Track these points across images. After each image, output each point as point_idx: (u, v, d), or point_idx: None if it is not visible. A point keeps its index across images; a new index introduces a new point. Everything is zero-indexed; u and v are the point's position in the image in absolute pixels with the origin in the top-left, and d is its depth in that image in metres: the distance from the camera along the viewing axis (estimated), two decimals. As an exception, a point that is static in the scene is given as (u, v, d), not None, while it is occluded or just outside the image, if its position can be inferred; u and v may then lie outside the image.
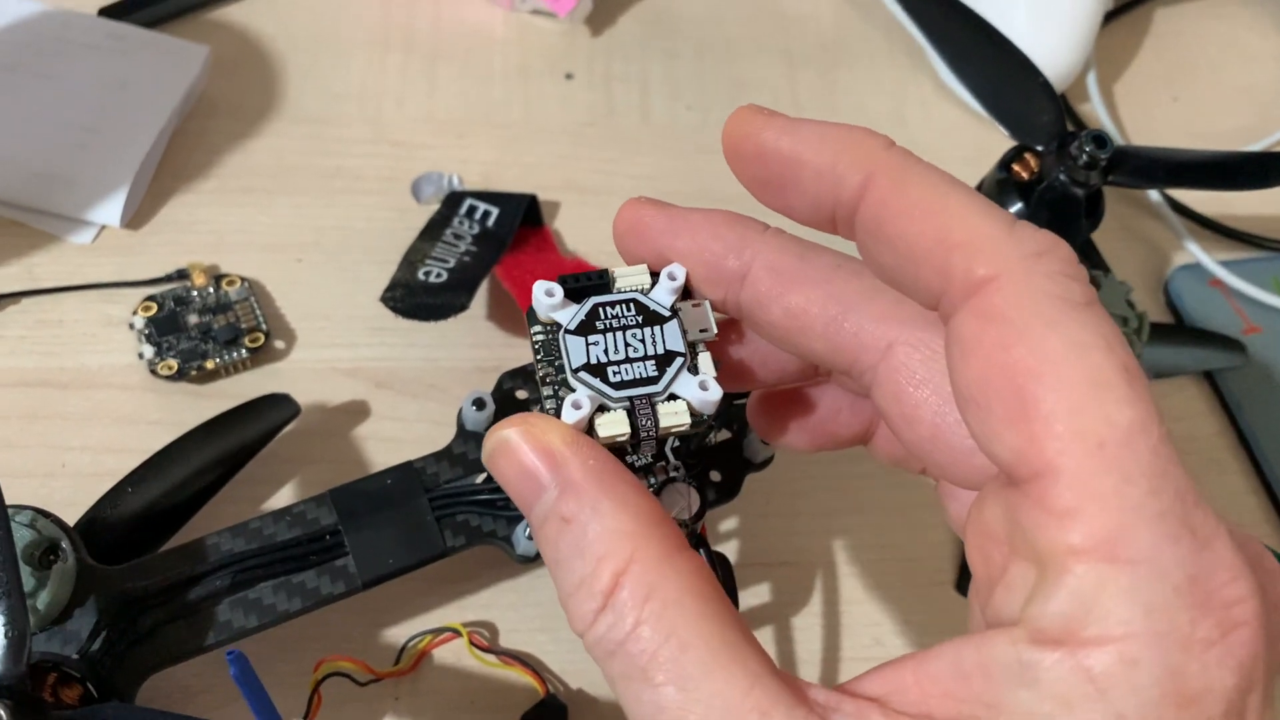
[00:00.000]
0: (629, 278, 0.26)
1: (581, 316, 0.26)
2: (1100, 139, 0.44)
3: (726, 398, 0.26)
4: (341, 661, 0.39)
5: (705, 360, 0.26)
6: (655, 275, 0.26)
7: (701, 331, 0.26)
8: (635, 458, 0.27)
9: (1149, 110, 0.64)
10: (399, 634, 0.42)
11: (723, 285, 0.26)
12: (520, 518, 0.38)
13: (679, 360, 0.25)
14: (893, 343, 0.25)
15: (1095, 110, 0.62)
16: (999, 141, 0.49)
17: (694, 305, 0.26)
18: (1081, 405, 0.19)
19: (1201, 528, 0.19)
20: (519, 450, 0.24)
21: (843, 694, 0.21)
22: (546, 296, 0.25)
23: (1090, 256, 0.50)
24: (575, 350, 0.25)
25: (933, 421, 0.25)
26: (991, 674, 0.20)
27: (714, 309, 0.27)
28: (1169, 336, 0.52)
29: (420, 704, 0.40)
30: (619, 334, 0.25)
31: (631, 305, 0.26)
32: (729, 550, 0.45)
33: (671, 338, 0.25)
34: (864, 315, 0.25)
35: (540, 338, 0.26)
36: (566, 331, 0.25)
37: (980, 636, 0.20)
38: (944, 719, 0.20)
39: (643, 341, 0.25)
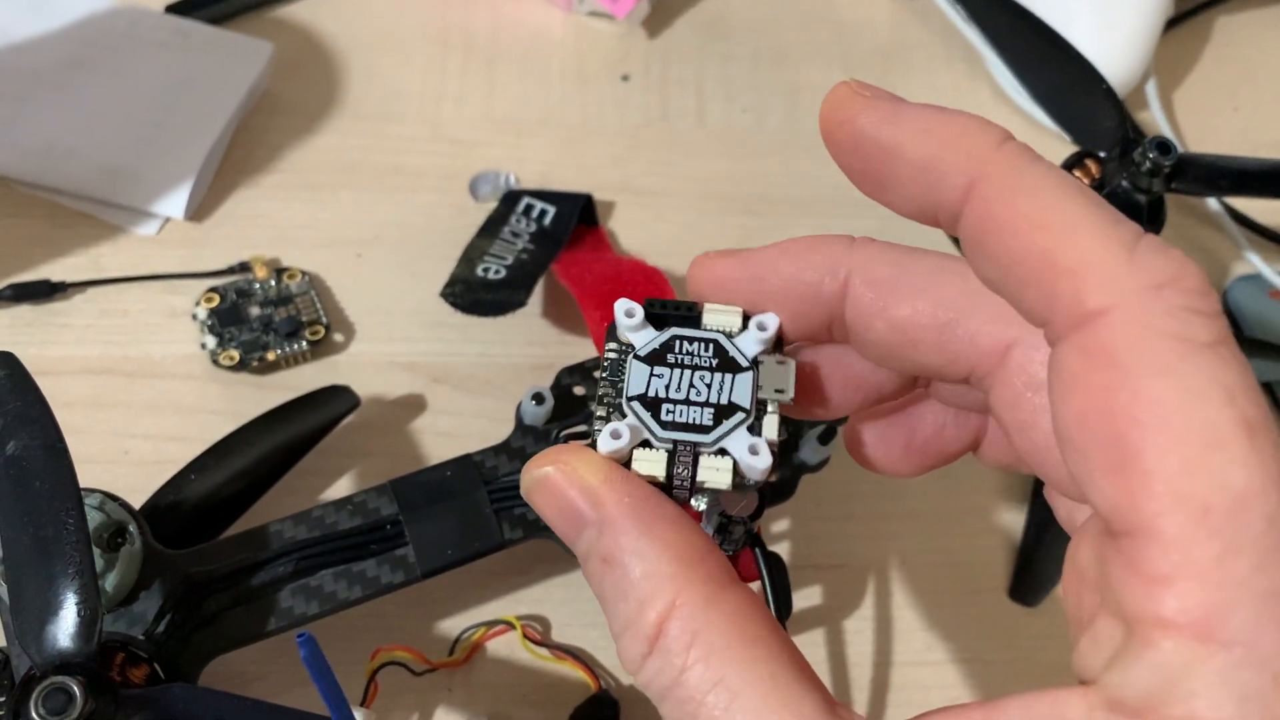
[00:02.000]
0: (718, 316, 0.25)
1: (656, 345, 0.25)
2: (1165, 145, 0.43)
3: (785, 463, 0.24)
4: (398, 651, 0.40)
5: (771, 423, 0.24)
6: (747, 319, 0.25)
7: (777, 392, 0.24)
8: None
9: (1209, 119, 0.64)
10: (453, 626, 0.42)
11: (824, 310, 0.25)
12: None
13: (739, 415, 0.24)
14: (1012, 344, 0.23)
15: (1154, 118, 0.62)
16: (1057, 149, 0.49)
17: (779, 362, 0.25)
18: (1189, 464, 0.17)
19: None
20: (558, 487, 0.23)
21: None
22: (626, 317, 0.25)
23: (1150, 264, 0.49)
24: (636, 377, 0.24)
25: (1050, 430, 0.22)
26: None
27: (817, 341, 0.25)
28: (1228, 347, 0.51)
29: (473, 695, 0.41)
30: (688, 372, 0.24)
31: (711, 346, 0.25)
32: (782, 551, 0.45)
33: (741, 390, 0.24)
34: (978, 318, 0.23)
35: (612, 355, 0.25)
36: (635, 356, 0.24)
37: (1054, 694, 0.19)
38: None
39: (709, 386, 0.24)
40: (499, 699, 0.41)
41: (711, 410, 0.24)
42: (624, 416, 0.24)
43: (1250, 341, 0.53)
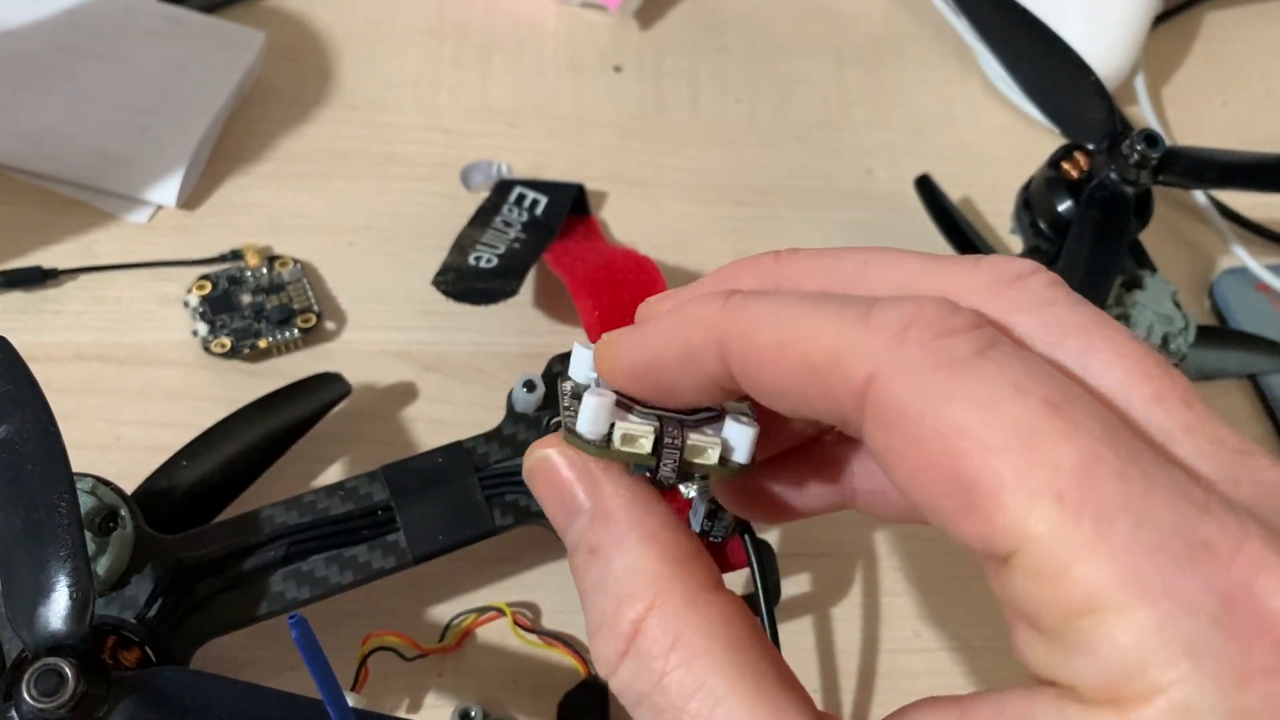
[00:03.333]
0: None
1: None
2: (1152, 138, 0.44)
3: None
4: (389, 636, 0.40)
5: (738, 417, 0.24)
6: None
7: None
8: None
9: (1198, 114, 0.64)
10: (444, 612, 0.42)
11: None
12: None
13: (715, 409, 0.24)
14: (869, 378, 0.20)
15: (1143, 113, 0.62)
16: (1047, 142, 0.49)
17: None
18: (1019, 464, 0.18)
19: (1219, 536, 0.17)
20: (557, 468, 0.23)
21: None
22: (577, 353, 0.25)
23: (1138, 256, 0.50)
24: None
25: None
26: None
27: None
28: (1214, 339, 0.52)
29: (464, 681, 0.41)
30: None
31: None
32: (771, 539, 0.45)
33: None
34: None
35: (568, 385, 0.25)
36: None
37: (1026, 690, 0.19)
38: None
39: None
40: (489, 685, 0.41)
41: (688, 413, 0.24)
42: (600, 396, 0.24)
43: (1237, 334, 0.54)
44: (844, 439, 0.27)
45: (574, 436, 0.23)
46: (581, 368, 0.26)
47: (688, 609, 0.21)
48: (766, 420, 0.25)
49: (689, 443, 0.23)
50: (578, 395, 0.24)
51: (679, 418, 0.24)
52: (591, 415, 0.23)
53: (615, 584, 0.22)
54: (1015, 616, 0.19)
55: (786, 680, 0.21)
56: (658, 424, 0.23)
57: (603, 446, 0.23)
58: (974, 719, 0.19)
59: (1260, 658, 0.16)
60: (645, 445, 0.23)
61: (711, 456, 0.23)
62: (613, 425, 0.23)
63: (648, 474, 0.24)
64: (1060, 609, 0.17)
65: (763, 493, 0.27)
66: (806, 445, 0.27)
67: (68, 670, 0.28)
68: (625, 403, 0.24)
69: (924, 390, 0.19)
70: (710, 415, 0.24)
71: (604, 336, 0.24)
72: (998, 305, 0.21)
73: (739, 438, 0.24)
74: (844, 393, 0.20)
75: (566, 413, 0.24)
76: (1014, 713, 0.18)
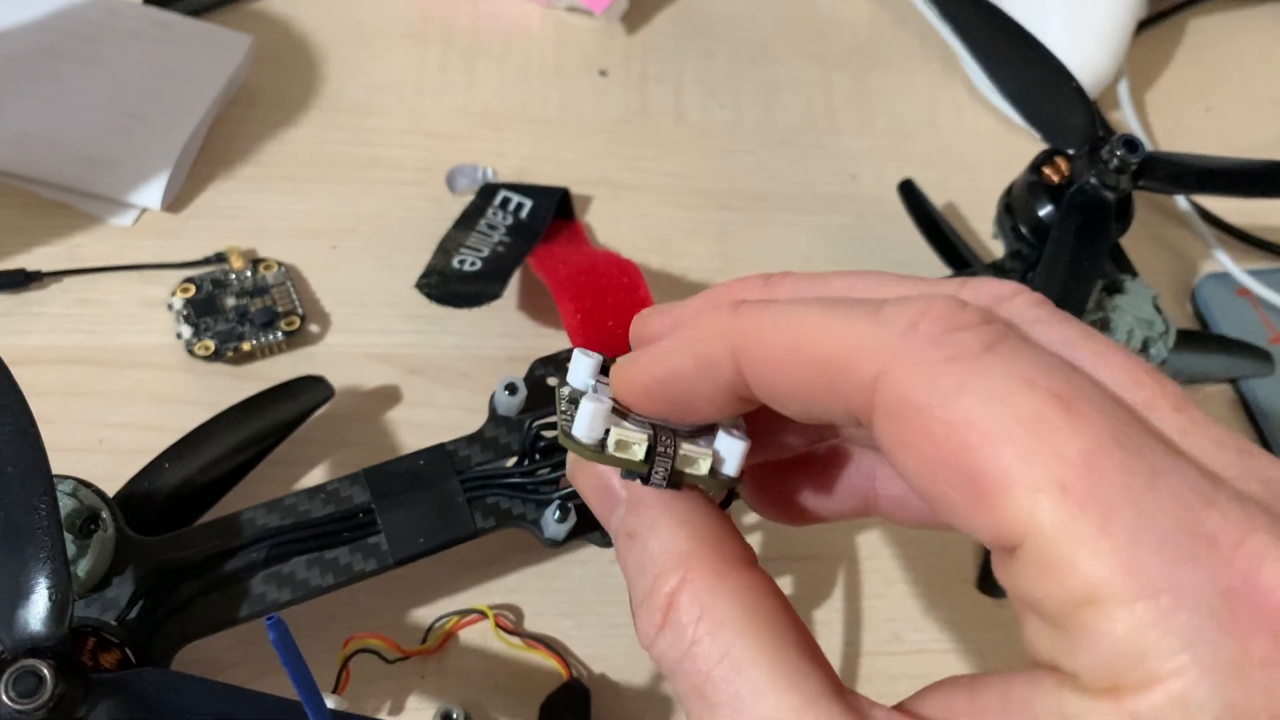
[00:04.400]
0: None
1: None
2: (1131, 143, 0.44)
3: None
4: (370, 639, 0.40)
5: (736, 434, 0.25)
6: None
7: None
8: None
9: (1181, 120, 0.64)
10: (426, 615, 0.42)
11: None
12: (549, 502, 0.39)
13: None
14: (877, 375, 0.20)
15: (1127, 119, 0.63)
16: (1031, 147, 0.50)
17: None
18: (1026, 455, 0.18)
19: (1223, 528, 0.17)
20: (596, 464, 0.25)
21: (904, 714, 0.21)
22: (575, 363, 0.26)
23: (1118, 261, 0.50)
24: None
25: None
26: (1038, 717, 0.19)
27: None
28: (1196, 344, 0.52)
29: (446, 684, 0.41)
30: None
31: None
32: (755, 543, 0.45)
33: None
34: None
35: (565, 392, 0.26)
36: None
37: (1030, 675, 0.19)
38: None
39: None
40: (471, 687, 0.41)
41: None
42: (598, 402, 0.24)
43: (1218, 339, 0.54)
44: (861, 447, 0.28)
45: (570, 440, 0.24)
46: (580, 374, 0.26)
47: (716, 582, 0.22)
48: (768, 432, 0.26)
49: (681, 452, 0.24)
50: (574, 400, 0.25)
51: (673, 427, 0.24)
52: (588, 420, 0.24)
53: (651, 564, 0.23)
54: (1023, 606, 0.19)
55: (810, 653, 0.21)
56: (651, 432, 0.24)
57: (597, 451, 0.24)
58: (980, 701, 0.20)
59: (1259, 650, 0.16)
60: (638, 452, 0.24)
61: (702, 467, 0.24)
62: (608, 431, 0.24)
63: (639, 480, 0.24)
64: (1063, 599, 0.18)
65: (788, 496, 0.28)
66: (831, 453, 0.28)
67: (46, 672, 0.28)
68: (621, 410, 0.25)
69: (934, 383, 0.19)
70: (703, 428, 0.25)
71: (618, 361, 0.25)
72: None
73: (730, 451, 0.24)
74: (855, 389, 0.20)
75: (563, 416, 0.25)
76: (1017, 696, 0.19)
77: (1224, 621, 0.17)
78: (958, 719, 0.20)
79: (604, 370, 0.26)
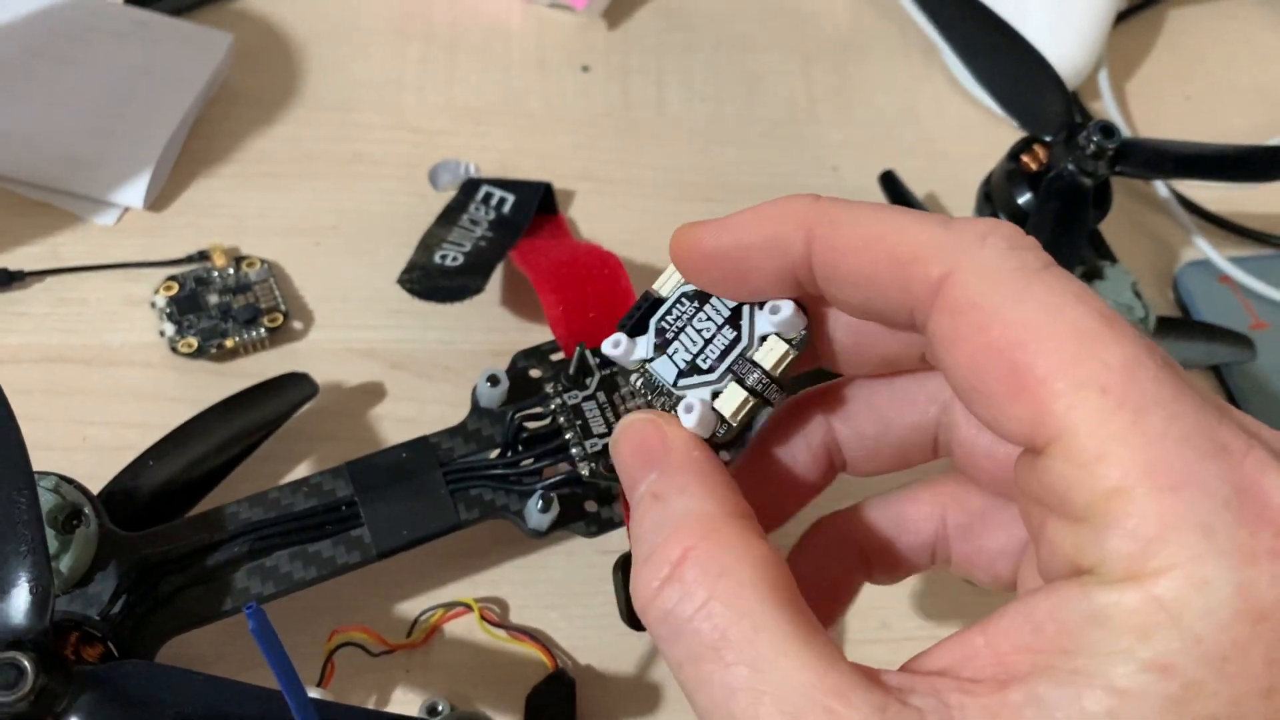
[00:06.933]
0: (668, 282, 0.28)
1: (653, 339, 0.28)
2: (1108, 129, 0.44)
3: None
4: (355, 632, 0.40)
5: (769, 307, 0.26)
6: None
7: (788, 341, 0.26)
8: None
9: (1161, 109, 0.65)
10: (411, 608, 0.42)
11: (799, 264, 0.25)
12: (532, 493, 0.39)
13: (746, 310, 0.26)
14: (944, 277, 0.22)
15: (1107, 108, 0.63)
16: (1010, 136, 0.50)
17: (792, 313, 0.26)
18: (1072, 358, 0.20)
19: (1233, 442, 0.19)
20: (643, 427, 0.26)
21: (912, 673, 0.21)
22: (615, 348, 0.27)
23: (1097, 247, 0.50)
24: (664, 369, 0.27)
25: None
26: (1064, 621, 0.20)
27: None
28: (1177, 330, 0.52)
29: (431, 676, 0.41)
30: (688, 329, 0.27)
31: (684, 300, 0.27)
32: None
33: (723, 303, 0.27)
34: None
35: (639, 381, 0.28)
36: (647, 362, 0.27)
37: (1049, 588, 0.20)
38: (1021, 673, 0.20)
39: (709, 320, 0.27)
40: (457, 680, 0.41)
41: (728, 326, 0.27)
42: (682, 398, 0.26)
43: (1200, 325, 0.54)
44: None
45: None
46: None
47: (740, 544, 0.22)
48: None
49: (753, 356, 0.26)
50: (653, 387, 0.27)
51: (739, 352, 0.26)
52: (693, 419, 0.26)
53: (672, 521, 0.23)
54: (1044, 514, 0.21)
55: (820, 627, 0.22)
56: (731, 373, 0.26)
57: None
58: (1001, 629, 0.21)
59: (1265, 541, 0.18)
60: (740, 396, 0.26)
61: (779, 348, 0.26)
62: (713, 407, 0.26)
63: (767, 411, 0.26)
64: (1093, 489, 0.19)
65: (880, 446, 0.30)
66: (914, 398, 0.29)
67: (27, 664, 0.28)
68: (663, 343, 0.27)
69: (999, 288, 0.21)
70: (732, 342, 0.27)
71: (682, 226, 0.26)
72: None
73: (783, 313, 0.26)
74: (921, 285, 0.22)
75: (657, 403, 0.27)
76: (1042, 610, 0.20)
77: (1236, 514, 0.18)
78: (976, 656, 0.21)
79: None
